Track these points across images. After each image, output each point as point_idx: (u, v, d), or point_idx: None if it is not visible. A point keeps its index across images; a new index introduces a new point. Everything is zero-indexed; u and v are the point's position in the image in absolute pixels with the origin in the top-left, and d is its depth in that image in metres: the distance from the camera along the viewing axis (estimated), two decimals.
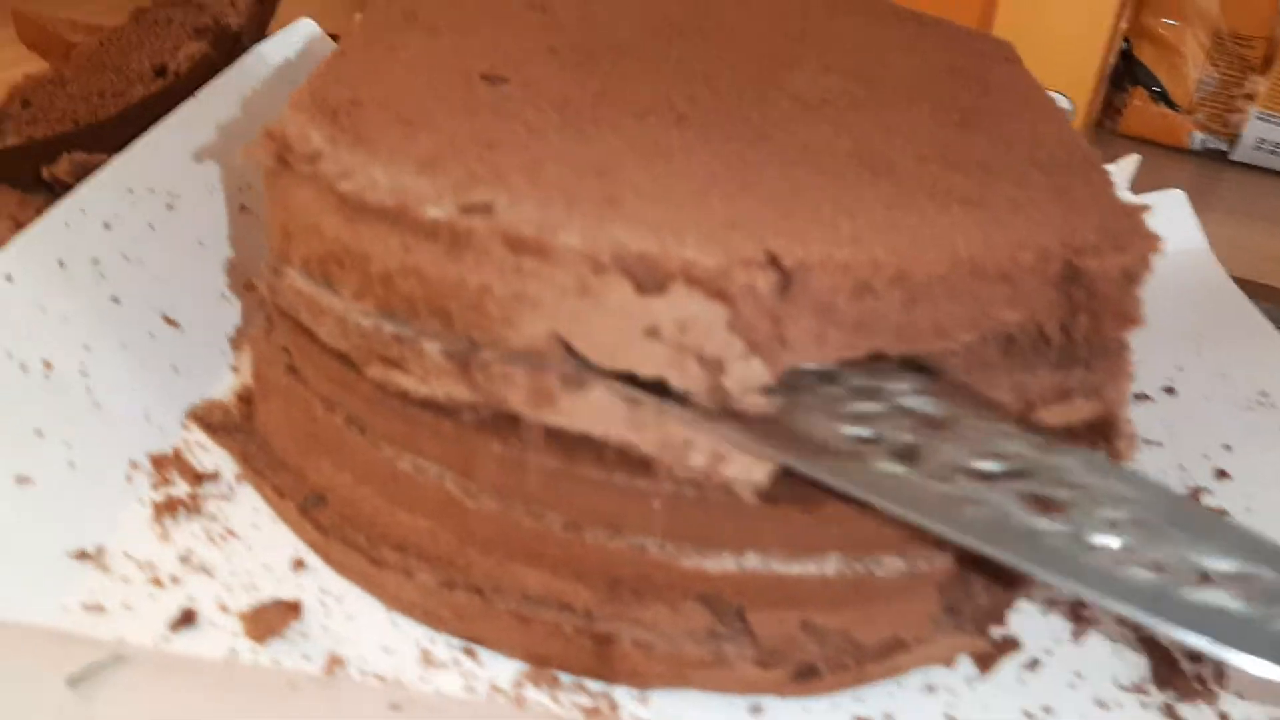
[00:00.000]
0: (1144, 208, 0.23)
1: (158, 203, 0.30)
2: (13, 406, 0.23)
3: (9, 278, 0.25)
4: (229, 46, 0.36)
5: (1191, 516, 0.20)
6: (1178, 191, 0.41)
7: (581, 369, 0.20)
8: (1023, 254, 0.20)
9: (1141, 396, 0.33)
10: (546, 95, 0.24)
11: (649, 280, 0.18)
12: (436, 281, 0.19)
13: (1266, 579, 0.19)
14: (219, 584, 0.23)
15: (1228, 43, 0.52)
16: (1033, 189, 0.23)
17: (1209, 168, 0.55)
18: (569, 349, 0.19)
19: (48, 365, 0.24)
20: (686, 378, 0.19)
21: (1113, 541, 0.19)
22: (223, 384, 0.28)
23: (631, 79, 0.26)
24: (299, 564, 0.24)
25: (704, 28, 0.30)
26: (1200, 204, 0.43)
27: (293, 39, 0.39)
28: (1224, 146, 0.55)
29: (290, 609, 0.22)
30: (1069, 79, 0.46)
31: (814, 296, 0.19)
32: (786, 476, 0.20)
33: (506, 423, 0.20)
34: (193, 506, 0.24)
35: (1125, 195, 0.39)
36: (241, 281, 0.31)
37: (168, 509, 0.24)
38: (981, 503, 0.19)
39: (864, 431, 0.20)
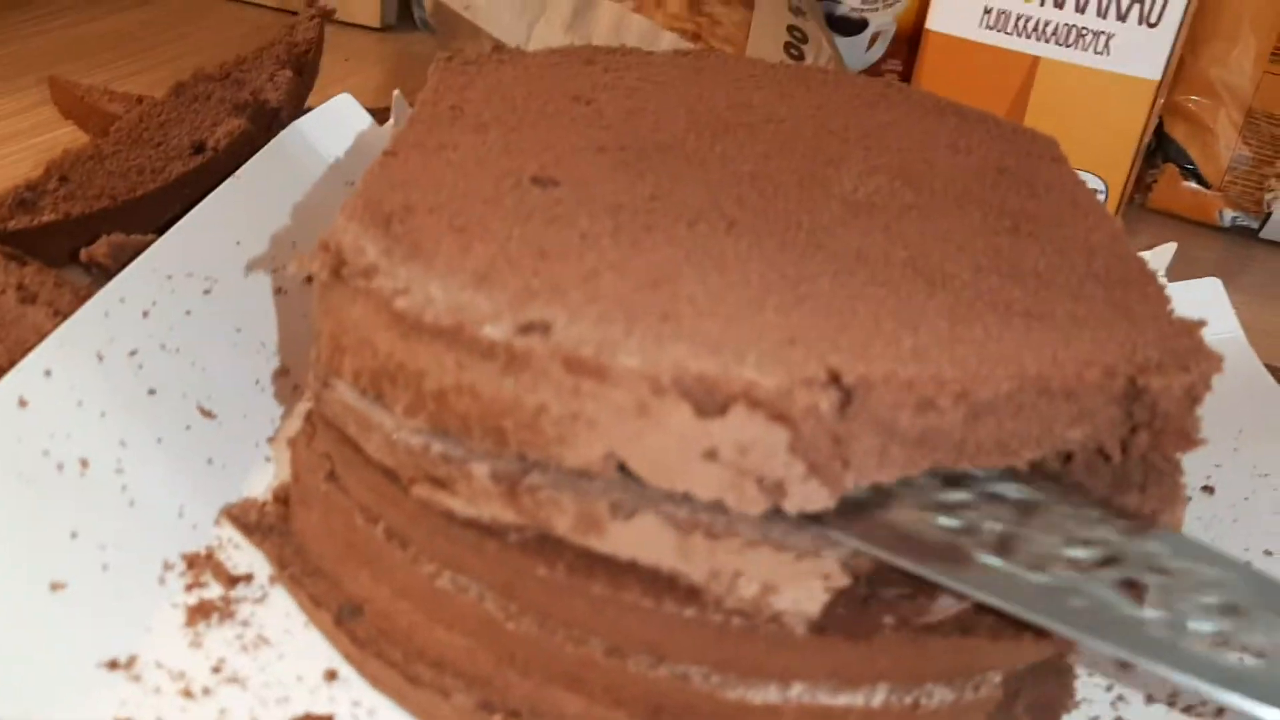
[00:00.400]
0: (1202, 324, 0.23)
1: (195, 288, 0.30)
2: (49, 508, 0.23)
3: (48, 373, 0.24)
4: (267, 122, 0.36)
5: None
6: (1214, 280, 0.41)
7: (632, 495, 0.19)
8: (1089, 371, 0.20)
9: None
10: (598, 199, 0.24)
11: (709, 402, 0.18)
12: (491, 400, 0.19)
13: None
14: (251, 695, 0.22)
15: (1261, 121, 0.52)
16: (1092, 303, 0.23)
17: (1238, 244, 0.55)
18: (624, 469, 0.19)
19: (84, 464, 0.24)
20: (744, 500, 0.19)
21: (1208, 626, 0.19)
22: (258, 478, 0.28)
23: (680, 180, 0.25)
24: (331, 675, 0.23)
25: (749, 122, 0.30)
26: (1230, 283, 0.43)
27: (331, 115, 0.40)
28: (1254, 224, 0.55)
29: None
30: (1104, 161, 0.46)
31: (875, 414, 0.19)
32: (837, 607, 0.20)
33: (552, 546, 0.20)
34: (225, 611, 0.24)
35: (1174, 300, 0.39)
36: (276, 370, 0.31)
37: (201, 613, 0.23)
38: (1081, 592, 0.19)
39: (955, 522, 0.20)
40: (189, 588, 0.24)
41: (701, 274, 0.21)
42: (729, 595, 0.20)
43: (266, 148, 0.36)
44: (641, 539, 0.19)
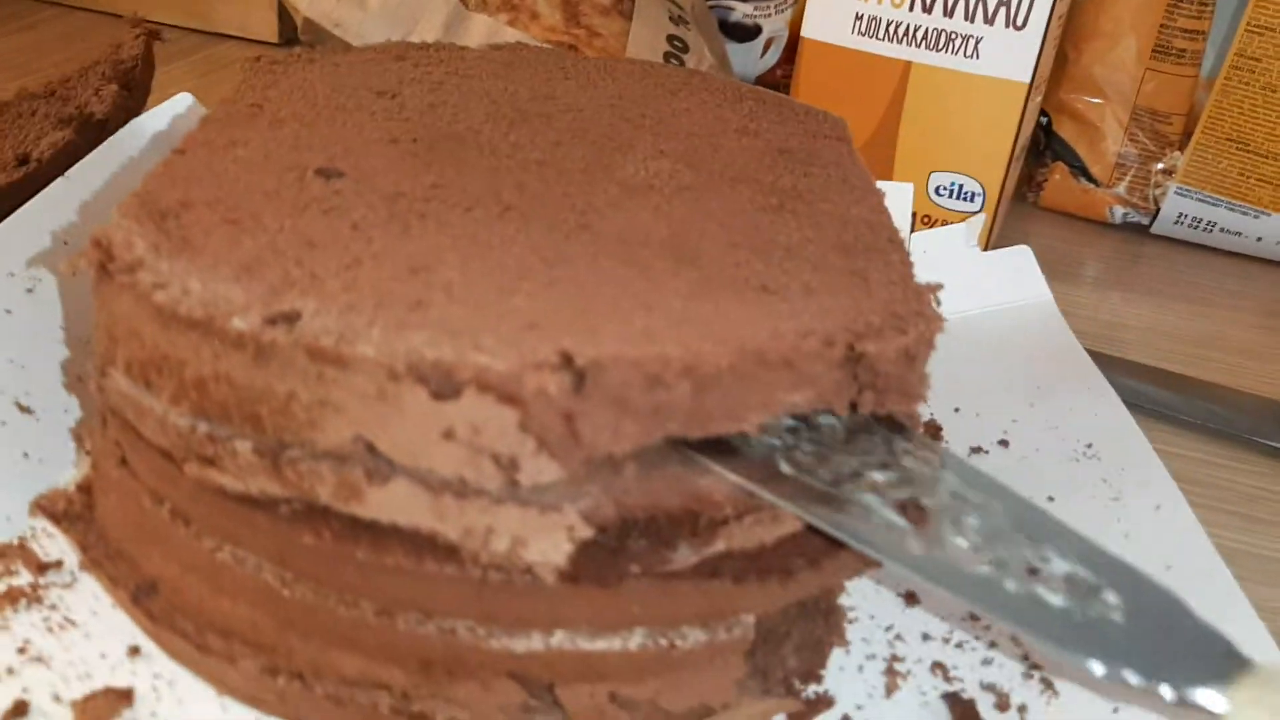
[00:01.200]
0: (936, 287, 0.25)
1: (18, 286, 0.31)
2: None
3: None
4: (93, 135, 0.37)
5: (1040, 523, 0.23)
6: (1024, 247, 0.43)
7: (384, 462, 0.21)
8: (807, 341, 0.22)
9: (977, 449, 0.35)
10: (379, 189, 0.25)
11: (444, 386, 0.20)
12: (246, 389, 0.21)
13: (1086, 578, 0.21)
14: (55, 674, 0.23)
15: (1145, 118, 0.54)
16: (830, 272, 0.25)
17: (1130, 240, 0.56)
18: (372, 450, 0.20)
19: None
20: (482, 476, 0.20)
21: (962, 542, 0.21)
22: (71, 473, 0.29)
23: (466, 169, 0.27)
24: (134, 651, 0.24)
25: (547, 112, 0.31)
26: (1122, 278, 0.45)
27: (170, 112, 0.40)
28: (1144, 220, 0.56)
29: (122, 696, 0.23)
30: (980, 163, 0.47)
31: (607, 392, 0.20)
32: (584, 557, 0.21)
33: (319, 515, 0.21)
34: (34, 596, 0.25)
35: (988, 269, 0.41)
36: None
37: (8, 599, 0.25)
38: (859, 505, 0.22)
39: (776, 442, 0.23)
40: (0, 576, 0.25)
41: (464, 260, 0.23)
42: (483, 551, 0.21)
43: (100, 147, 0.37)
44: (398, 503, 0.21)
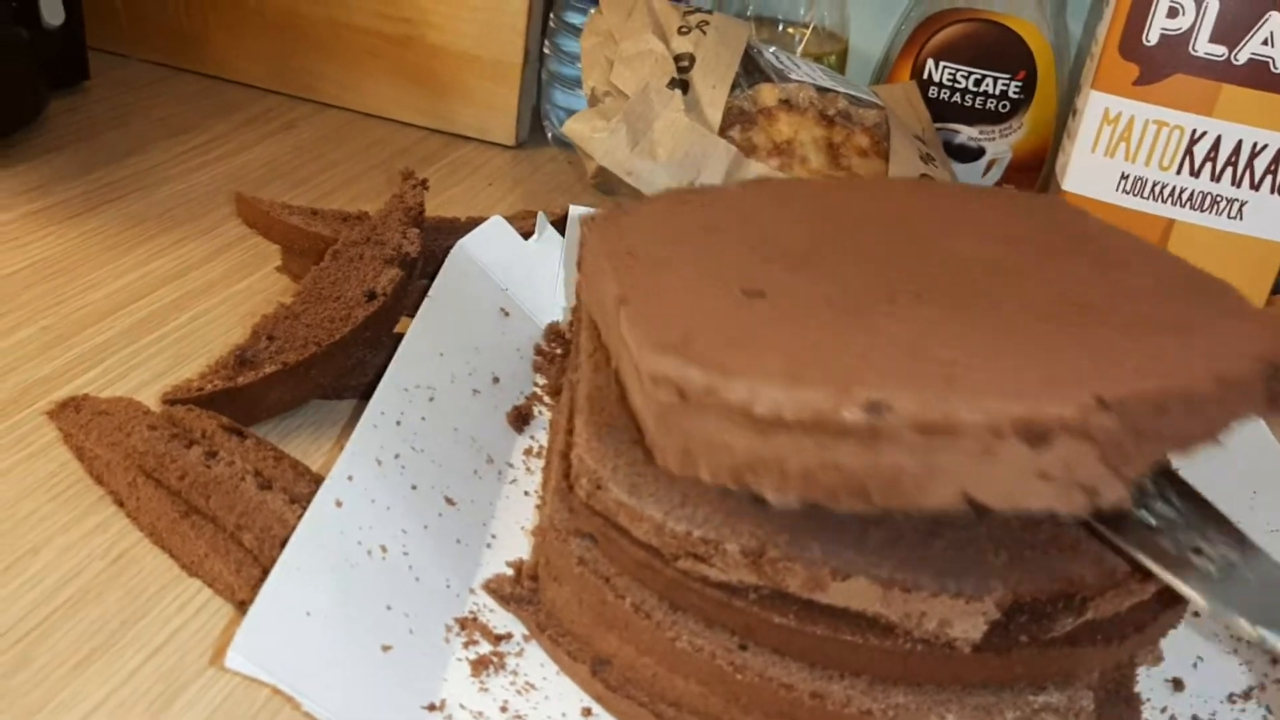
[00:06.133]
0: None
1: (423, 396, 0.37)
2: (371, 587, 0.29)
3: (350, 478, 0.31)
4: (410, 268, 0.43)
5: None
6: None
7: (846, 561, 0.25)
8: (1251, 365, 0.26)
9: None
10: (803, 299, 0.28)
11: (1034, 437, 0.23)
12: (854, 472, 0.24)
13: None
14: None
15: None
16: (1209, 309, 0.29)
17: None
18: (971, 501, 0.24)
19: (384, 549, 0.30)
20: (1072, 505, 0.24)
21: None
22: (488, 553, 0.34)
23: (845, 273, 0.30)
24: (587, 712, 0.29)
25: (866, 216, 0.35)
26: None
27: (487, 234, 0.46)
28: None
29: None
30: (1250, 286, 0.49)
31: (1132, 423, 0.24)
32: (990, 631, 0.26)
33: (784, 599, 0.26)
34: (499, 664, 0.30)
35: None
36: (486, 460, 0.37)
37: (482, 665, 0.30)
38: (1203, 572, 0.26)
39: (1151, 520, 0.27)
40: (466, 645, 0.30)
41: (941, 340, 0.26)
42: (916, 629, 0.26)
43: (442, 270, 0.43)
44: (855, 594, 0.25)
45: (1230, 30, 0.46)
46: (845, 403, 0.23)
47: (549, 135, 0.68)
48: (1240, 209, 0.48)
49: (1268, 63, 0.46)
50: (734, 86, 0.52)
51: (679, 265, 0.32)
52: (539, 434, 0.41)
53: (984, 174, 0.62)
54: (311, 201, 0.58)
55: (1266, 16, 0.45)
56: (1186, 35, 0.47)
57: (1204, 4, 0.46)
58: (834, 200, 0.38)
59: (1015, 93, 0.60)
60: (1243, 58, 0.46)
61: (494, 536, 0.35)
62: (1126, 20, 0.47)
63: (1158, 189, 0.49)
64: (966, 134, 0.62)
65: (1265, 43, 0.46)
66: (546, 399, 0.42)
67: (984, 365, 0.25)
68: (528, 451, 0.39)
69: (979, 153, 0.62)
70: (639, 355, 0.26)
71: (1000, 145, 0.61)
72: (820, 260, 0.32)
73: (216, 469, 0.33)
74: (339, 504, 0.30)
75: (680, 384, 0.25)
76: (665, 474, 0.28)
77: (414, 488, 0.33)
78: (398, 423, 0.35)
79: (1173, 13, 0.47)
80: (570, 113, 0.55)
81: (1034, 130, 0.61)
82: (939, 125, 0.61)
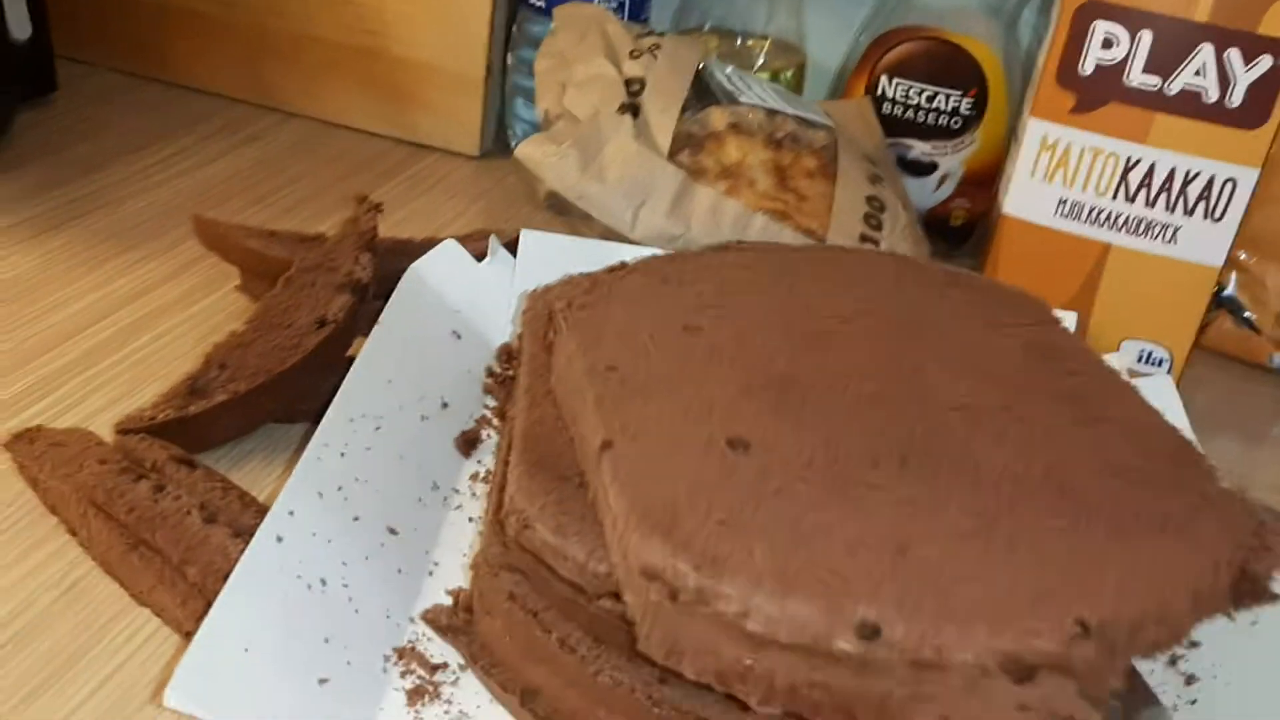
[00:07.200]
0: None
1: (369, 426, 0.38)
2: (310, 620, 0.30)
3: (291, 513, 0.32)
4: (362, 294, 0.44)
5: None
6: (1165, 376, 0.47)
7: None
8: (1219, 575, 0.27)
9: None
10: (788, 458, 0.28)
11: (1020, 672, 0.24)
12: (841, 692, 0.24)
13: None
14: None
15: None
16: (1186, 495, 0.29)
17: None
18: None
19: (324, 582, 0.32)
20: None
21: None
22: (430, 581, 0.35)
23: (828, 420, 0.30)
24: None
25: (830, 330, 0.35)
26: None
27: (440, 258, 0.47)
28: None
29: None
30: (1169, 334, 0.51)
31: (1107, 643, 0.25)
32: None
33: None
34: (433, 693, 0.31)
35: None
36: (431, 487, 0.39)
37: (417, 695, 0.31)
38: None
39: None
40: (403, 674, 0.32)
41: (926, 530, 0.27)
42: None
43: (394, 295, 0.44)
44: None
45: (1163, 61, 0.47)
46: (839, 627, 0.24)
47: (513, 146, 0.69)
48: (1174, 233, 0.50)
49: (1200, 93, 0.47)
50: (684, 109, 0.53)
51: (660, 396, 0.31)
52: (486, 458, 0.42)
53: (936, 188, 0.63)
54: (272, 218, 0.58)
55: (1199, 48, 0.47)
56: (1121, 65, 0.48)
57: (1138, 35, 0.47)
58: (809, 292, 0.37)
59: (967, 109, 0.61)
60: (1175, 88, 0.47)
61: (436, 564, 0.36)
62: (1064, 50, 0.49)
63: (1095, 214, 0.51)
64: (920, 149, 0.63)
65: (1198, 74, 0.47)
66: (495, 422, 0.44)
67: (971, 573, 0.26)
68: (474, 477, 0.41)
69: (932, 168, 0.63)
70: (626, 534, 0.26)
71: (952, 161, 0.62)
72: (801, 394, 0.32)
73: (163, 503, 0.34)
74: (279, 539, 0.31)
75: (672, 582, 0.25)
76: (590, 514, 0.29)
77: (356, 519, 0.35)
78: (342, 454, 0.36)
79: (1108, 44, 0.48)
80: (534, 125, 0.56)
81: (986, 146, 0.62)
82: (892, 140, 0.62)
